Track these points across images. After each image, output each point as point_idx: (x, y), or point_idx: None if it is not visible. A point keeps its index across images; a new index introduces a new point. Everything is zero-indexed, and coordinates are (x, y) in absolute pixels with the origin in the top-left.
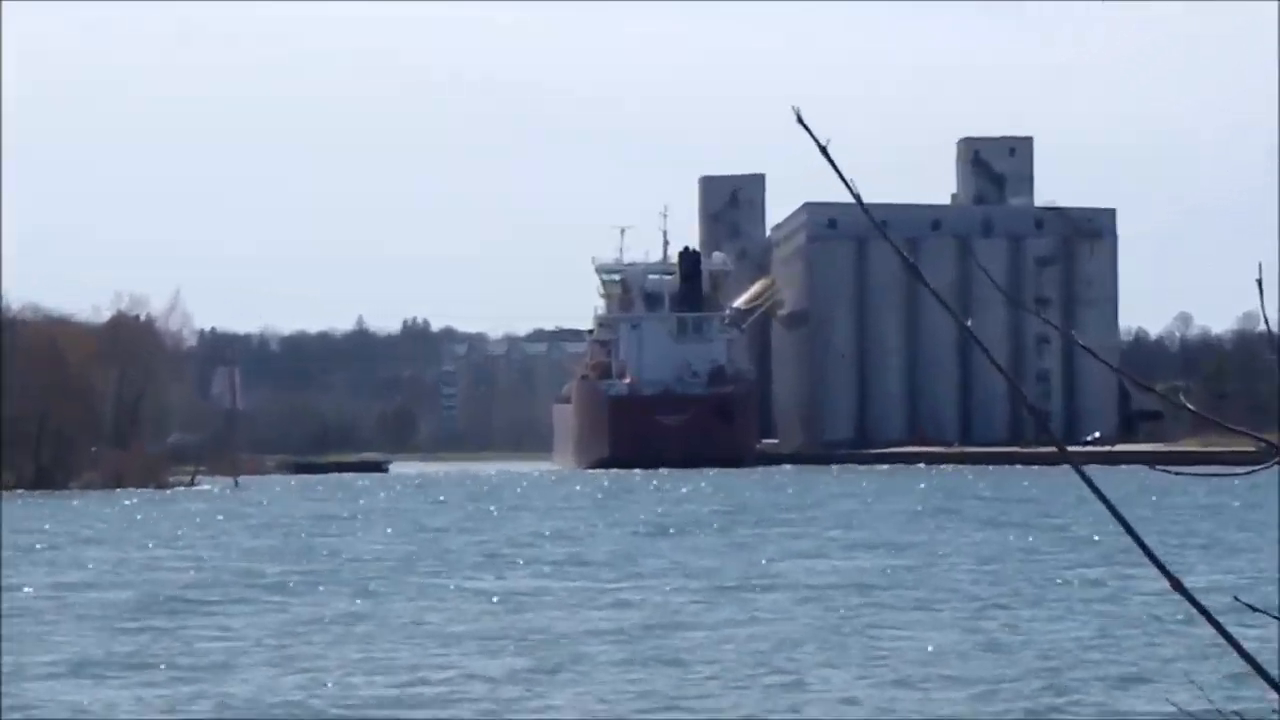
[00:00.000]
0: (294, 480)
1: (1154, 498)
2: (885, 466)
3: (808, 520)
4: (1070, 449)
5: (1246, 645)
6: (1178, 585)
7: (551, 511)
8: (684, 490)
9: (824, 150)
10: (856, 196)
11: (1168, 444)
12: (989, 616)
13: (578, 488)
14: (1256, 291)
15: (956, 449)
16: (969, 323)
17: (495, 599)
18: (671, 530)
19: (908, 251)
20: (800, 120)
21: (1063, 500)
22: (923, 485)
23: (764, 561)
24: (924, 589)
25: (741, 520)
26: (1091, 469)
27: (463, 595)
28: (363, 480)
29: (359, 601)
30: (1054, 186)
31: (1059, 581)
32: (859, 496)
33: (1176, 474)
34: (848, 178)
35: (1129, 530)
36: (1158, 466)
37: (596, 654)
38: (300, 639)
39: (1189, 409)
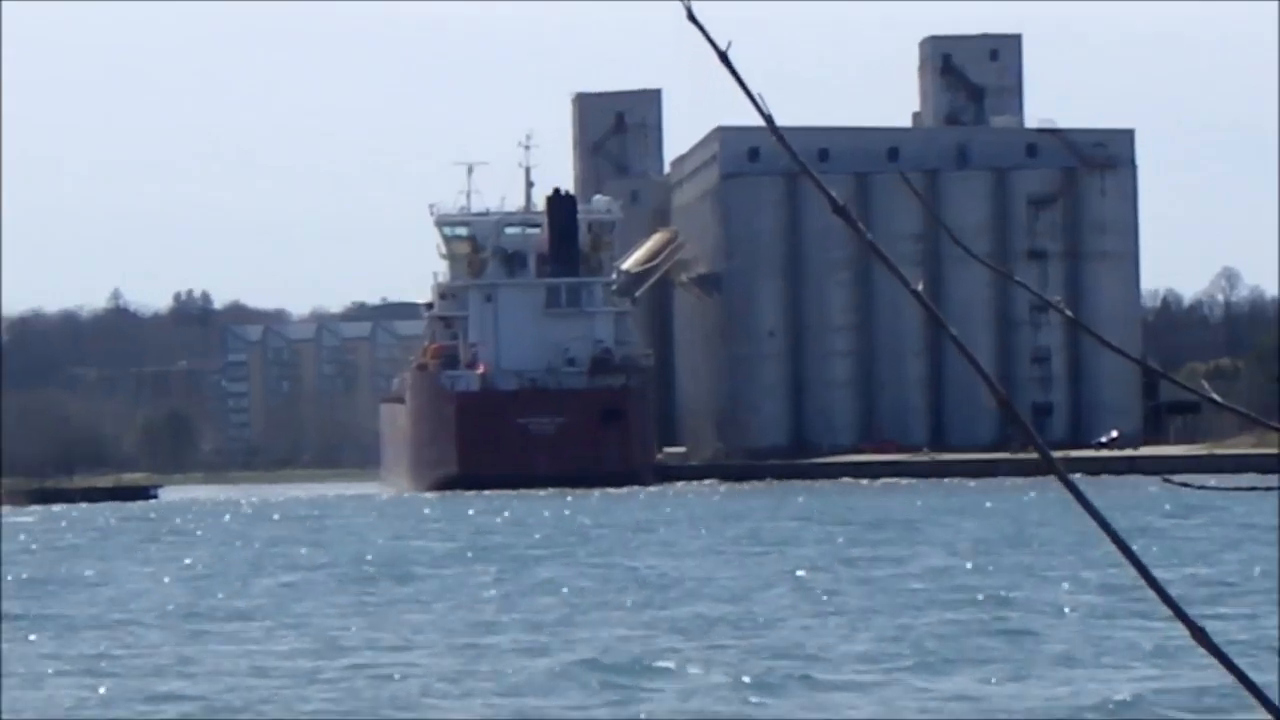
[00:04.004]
0: (24, 513)
1: (1185, 518)
2: (827, 482)
3: (693, 593)
4: (1071, 453)
5: None
6: (1201, 637)
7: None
8: (543, 524)
9: (723, 56)
10: (765, 115)
11: (1210, 444)
12: None
13: (410, 523)
14: None
15: (926, 456)
16: (919, 286)
17: None
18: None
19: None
20: (692, 17)
21: (1071, 526)
22: (864, 505)
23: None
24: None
25: (656, 589)
26: (1102, 481)
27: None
28: (112, 514)
29: None
30: (1051, 102)
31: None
32: (784, 522)
33: (1200, 489)
34: (754, 92)
35: (1138, 566)
36: (1171, 479)
37: None
38: None
39: (1215, 401)
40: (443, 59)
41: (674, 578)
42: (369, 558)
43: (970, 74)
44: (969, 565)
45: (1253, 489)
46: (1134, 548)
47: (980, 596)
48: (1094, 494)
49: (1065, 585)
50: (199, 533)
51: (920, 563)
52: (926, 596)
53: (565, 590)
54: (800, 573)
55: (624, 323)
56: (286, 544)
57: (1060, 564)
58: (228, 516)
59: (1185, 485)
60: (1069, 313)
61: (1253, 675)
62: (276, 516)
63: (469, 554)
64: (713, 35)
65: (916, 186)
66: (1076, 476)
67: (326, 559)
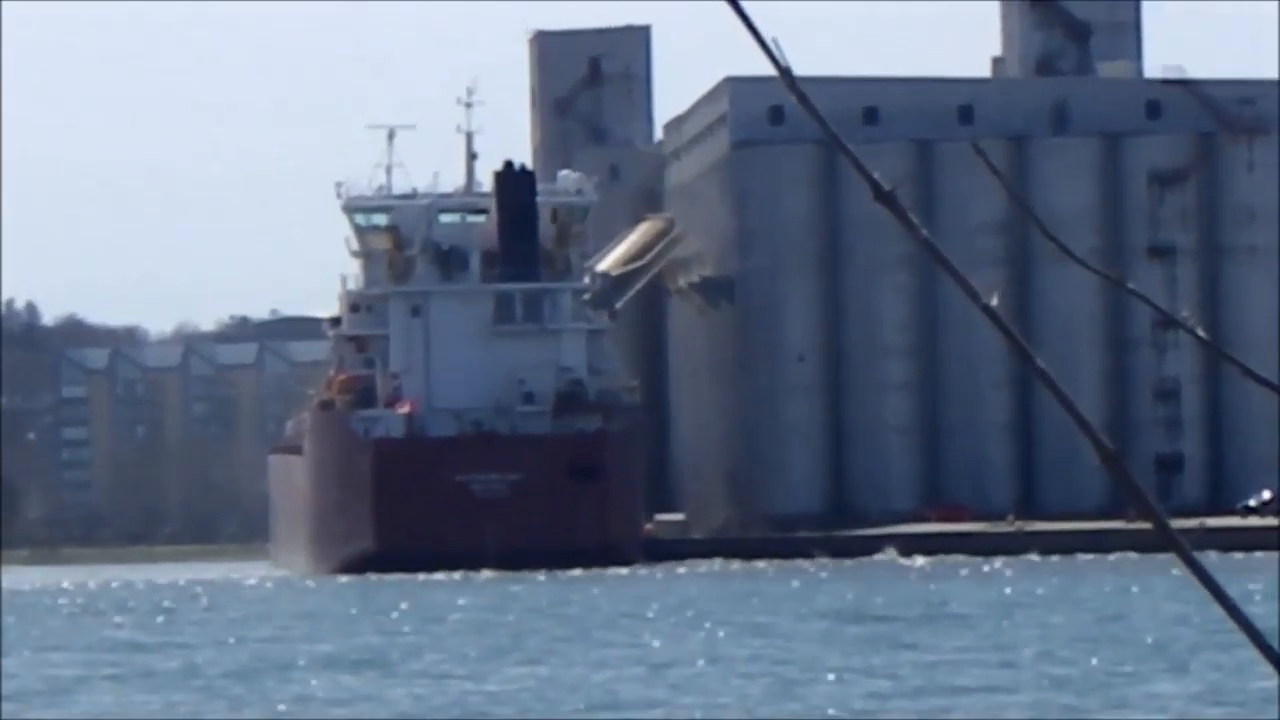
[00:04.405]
0: None
1: None
2: (881, 558)
3: None
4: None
5: None
6: None
7: None
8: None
9: None
10: (779, 66)
11: None
12: None
13: (291, 627)
14: None
15: (1011, 526)
16: (994, 300)
17: None
18: None
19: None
20: None
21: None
22: (921, 595)
23: None
24: None
25: None
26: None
27: None
28: None
29: None
30: (1180, 44)
31: None
32: (810, 623)
33: None
34: (767, 37)
35: None
36: None
37: None
38: None
39: None
40: None
41: None
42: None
43: (1070, 5)
44: (1030, 678)
45: None
46: None
47: None
48: (1235, 577)
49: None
50: (10, 634)
51: (964, 673)
52: None
53: None
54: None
55: (600, 344)
56: (125, 651)
57: (1167, 674)
58: (57, 609)
59: None
60: (1202, 333)
61: None
62: (118, 619)
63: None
64: None
65: (998, 158)
66: (1210, 554)
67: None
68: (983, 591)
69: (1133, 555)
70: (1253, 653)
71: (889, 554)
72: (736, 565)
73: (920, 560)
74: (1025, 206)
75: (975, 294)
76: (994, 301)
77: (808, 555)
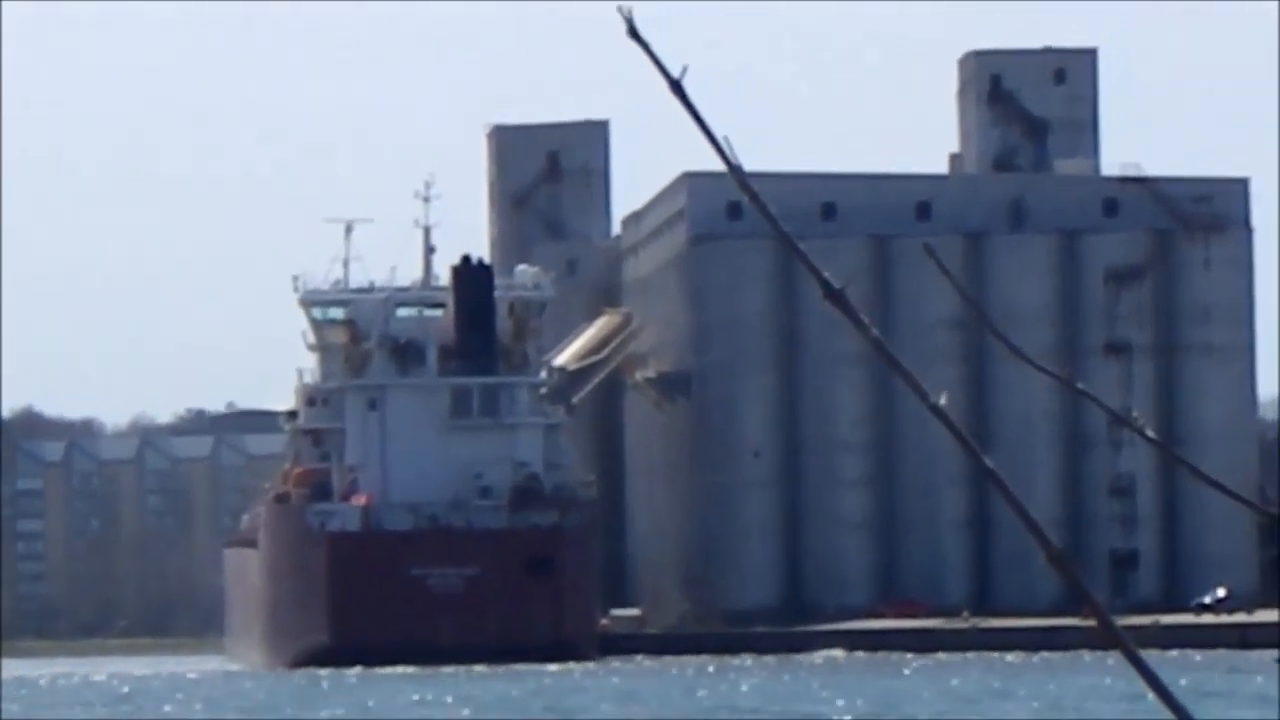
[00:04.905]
0: None
1: None
2: (836, 655)
3: None
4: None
5: None
6: None
7: None
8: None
9: (675, 85)
10: (728, 162)
11: None
12: None
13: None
14: None
15: (966, 622)
16: (943, 400)
17: None
18: None
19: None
20: (634, 31)
21: None
22: (877, 689)
23: None
24: None
25: None
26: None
27: None
28: None
29: None
30: (1136, 142)
31: None
32: None
33: None
34: (718, 136)
35: None
36: None
37: None
38: None
39: None
40: (309, 72)
41: None
42: None
43: (1028, 102)
44: None
45: None
46: None
47: None
48: (1187, 674)
49: None
50: None
51: None
52: None
53: None
54: None
55: (557, 438)
56: None
57: None
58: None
59: None
60: (1151, 433)
61: None
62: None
63: None
64: (663, 57)
65: (955, 255)
66: (1160, 654)
67: None
68: (936, 685)
69: (1092, 653)
70: None
71: (833, 653)
72: (694, 661)
73: (881, 655)
74: (976, 305)
75: (924, 392)
76: (943, 400)
77: (762, 651)
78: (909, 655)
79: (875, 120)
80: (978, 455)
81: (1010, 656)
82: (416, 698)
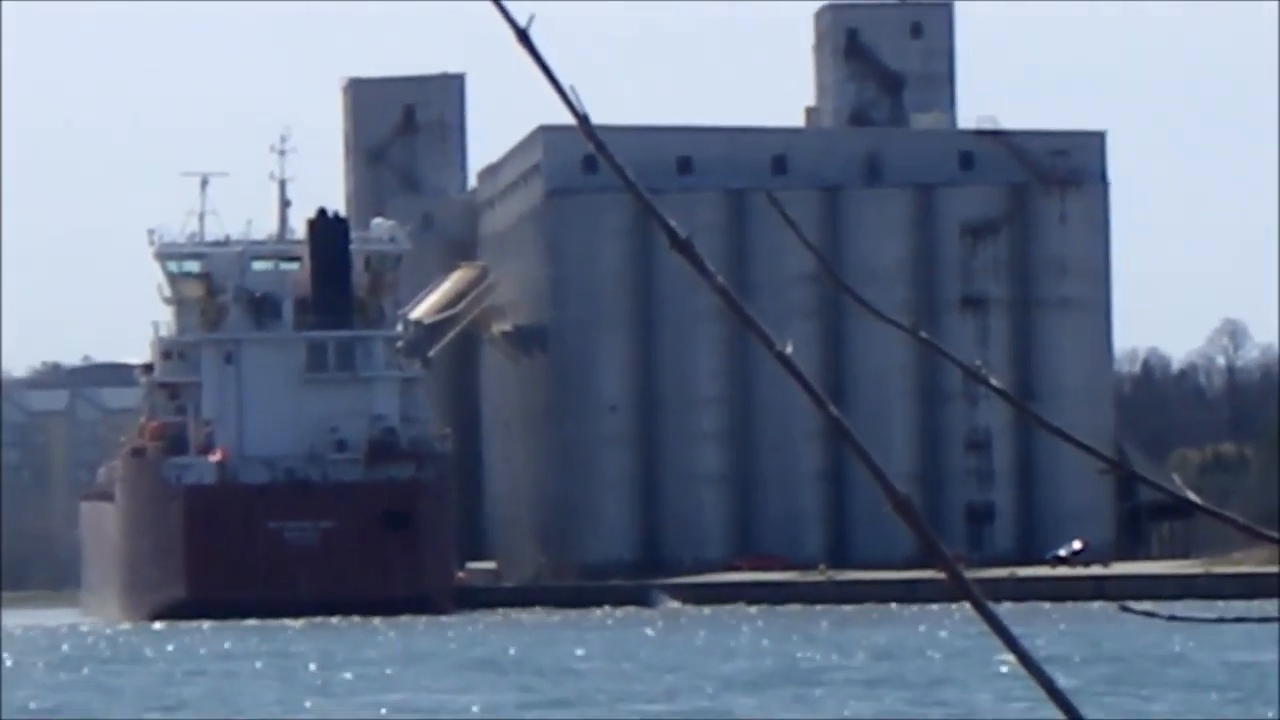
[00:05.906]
0: None
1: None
2: (690, 610)
3: None
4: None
5: None
6: None
7: None
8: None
9: (522, 35)
10: (576, 113)
11: (1207, 560)
12: None
13: (89, 673)
14: None
15: (823, 575)
16: (789, 348)
17: None
18: None
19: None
20: None
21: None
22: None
23: None
24: None
25: None
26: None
27: None
28: None
29: None
30: (993, 95)
31: None
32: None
33: (1173, 620)
34: (565, 86)
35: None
36: (1131, 607)
37: None
38: None
39: (1197, 506)
40: (165, 25)
41: None
42: None
43: (884, 56)
44: None
45: (1240, 620)
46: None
47: None
48: (1044, 626)
49: None
50: None
51: None
52: None
53: None
54: None
55: (413, 392)
56: None
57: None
58: None
59: (1151, 615)
60: (1000, 386)
61: None
62: None
63: None
64: (510, 7)
65: (811, 209)
66: (1019, 605)
67: None
68: (781, 642)
69: (946, 605)
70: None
71: (670, 605)
72: (548, 614)
73: (737, 608)
74: (823, 259)
75: (770, 340)
76: (789, 349)
77: (617, 603)
78: (751, 609)
79: (731, 74)
80: (823, 404)
81: (862, 609)
82: (227, 646)
